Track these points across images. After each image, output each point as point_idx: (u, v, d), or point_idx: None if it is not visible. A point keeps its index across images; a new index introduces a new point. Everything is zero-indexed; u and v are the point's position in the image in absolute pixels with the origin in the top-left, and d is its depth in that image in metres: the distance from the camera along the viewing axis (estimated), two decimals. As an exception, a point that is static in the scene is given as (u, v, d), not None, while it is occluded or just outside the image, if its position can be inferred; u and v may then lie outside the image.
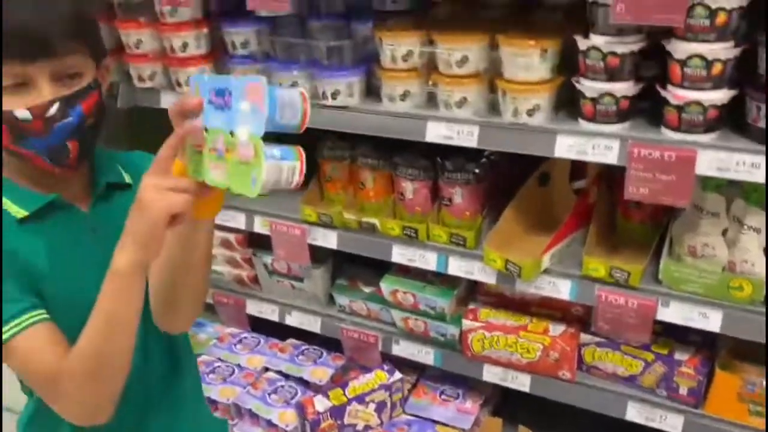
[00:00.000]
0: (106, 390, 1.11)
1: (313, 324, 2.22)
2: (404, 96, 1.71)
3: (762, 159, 1.35)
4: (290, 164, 0.95)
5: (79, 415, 1.14)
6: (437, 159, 1.88)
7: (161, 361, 1.36)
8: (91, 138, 1.18)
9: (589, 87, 1.48)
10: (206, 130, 0.99)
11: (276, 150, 0.94)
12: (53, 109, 1.09)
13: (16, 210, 1.18)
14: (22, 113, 1.07)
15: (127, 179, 1.30)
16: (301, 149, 0.97)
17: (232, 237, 2.24)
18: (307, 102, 0.98)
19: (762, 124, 1.37)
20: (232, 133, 0.96)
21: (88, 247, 1.24)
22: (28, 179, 1.19)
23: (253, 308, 2.33)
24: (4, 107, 1.08)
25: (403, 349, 2.07)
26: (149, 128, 2.60)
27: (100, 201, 1.26)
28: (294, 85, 1.85)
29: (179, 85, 1.98)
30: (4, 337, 1.10)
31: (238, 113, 0.95)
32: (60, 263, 1.20)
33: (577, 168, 1.92)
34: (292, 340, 2.36)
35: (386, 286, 2.01)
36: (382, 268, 2.09)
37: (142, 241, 1.02)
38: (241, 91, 0.95)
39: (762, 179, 1.36)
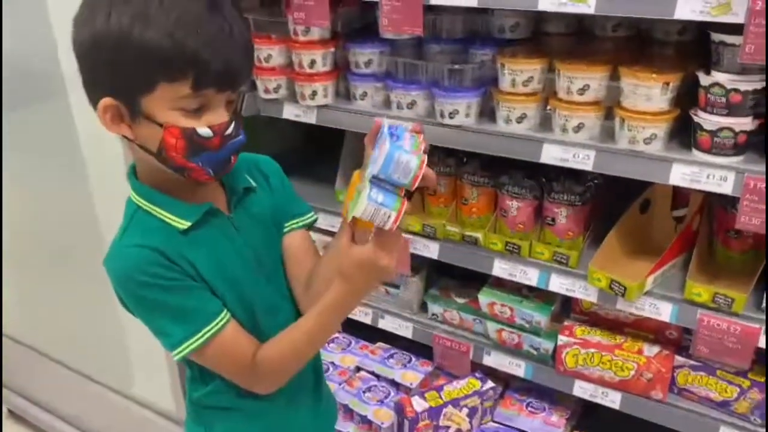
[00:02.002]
0: (293, 374, 1.38)
1: (405, 329, 2.33)
2: (521, 119, 1.82)
3: None
4: (387, 211, 1.15)
5: (266, 390, 1.39)
6: (543, 180, 1.98)
7: None
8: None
9: (708, 120, 1.57)
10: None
11: (381, 195, 1.14)
12: (230, 129, 1.24)
13: (178, 222, 1.30)
14: (205, 131, 1.21)
15: (253, 183, 1.46)
16: (406, 201, 1.16)
17: (334, 242, 2.37)
18: (423, 168, 1.16)
19: None
20: None
21: (239, 247, 1.40)
22: (181, 192, 1.31)
23: (348, 311, 2.45)
24: (185, 126, 1.20)
25: (494, 360, 2.16)
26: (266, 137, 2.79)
27: (236, 204, 1.41)
28: (412, 104, 1.98)
29: (303, 98, 2.13)
30: (205, 338, 1.28)
31: (375, 155, 1.17)
32: (223, 265, 1.36)
33: (677, 197, 2.00)
34: (381, 344, 2.48)
35: (484, 298, 2.11)
36: (472, 280, 2.20)
37: (365, 292, 1.28)
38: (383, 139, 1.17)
39: None
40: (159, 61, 1.13)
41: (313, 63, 2.07)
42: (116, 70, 1.17)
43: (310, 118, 2.17)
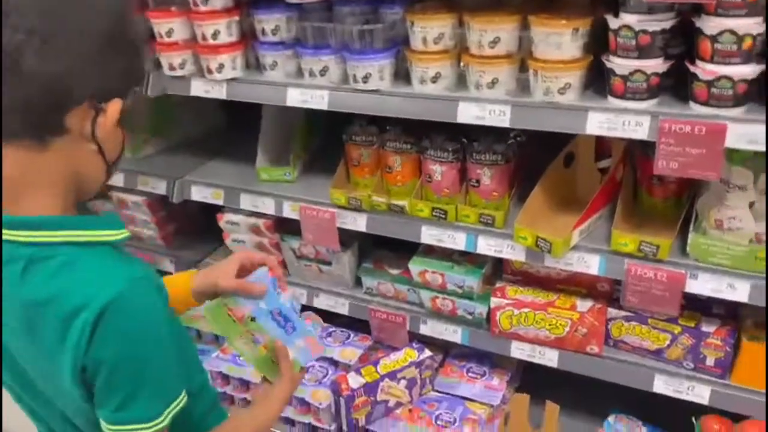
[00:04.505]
0: None
1: (341, 306, 2.26)
2: (435, 78, 1.75)
3: (791, 131, 1.40)
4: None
5: None
6: (465, 141, 1.93)
7: None
8: None
9: (620, 65, 1.53)
10: (252, 318, 1.40)
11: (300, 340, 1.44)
12: None
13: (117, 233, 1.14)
14: None
15: None
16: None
17: (260, 222, 2.28)
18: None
19: (790, 97, 1.42)
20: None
21: None
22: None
23: (281, 292, 2.37)
24: None
25: (430, 328, 2.11)
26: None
27: None
28: (325, 70, 1.89)
29: (210, 71, 2.02)
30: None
31: (293, 343, 1.42)
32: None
33: (601, 148, 1.97)
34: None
35: (415, 266, 2.05)
36: (406, 251, 2.14)
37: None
38: (303, 334, 1.43)
39: (791, 150, 1.41)
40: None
41: (216, 34, 1.96)
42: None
43: (220, 94, 2.05)
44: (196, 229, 2.65)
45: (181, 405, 1.13)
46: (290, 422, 2.07)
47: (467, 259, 2.06)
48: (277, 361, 1.40)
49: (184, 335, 1.28)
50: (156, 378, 1.09)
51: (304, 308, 2.39)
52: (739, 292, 1.61)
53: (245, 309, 1.39)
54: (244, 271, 1.45)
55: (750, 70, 1.42)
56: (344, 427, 1.96)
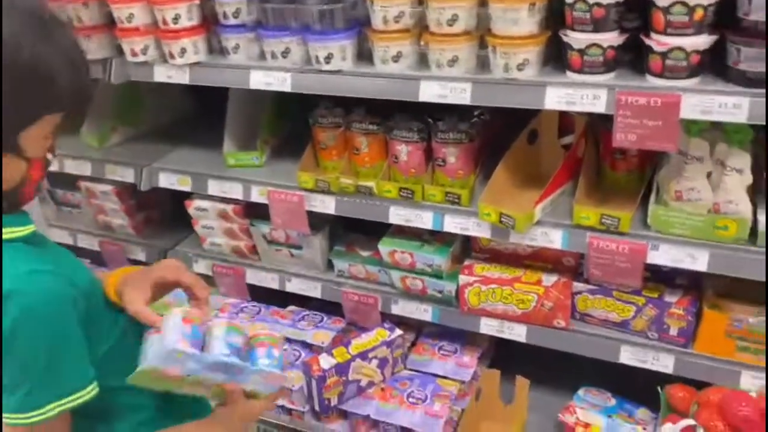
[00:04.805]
0: None
1: (312, 289, 2.27)
2: (397, 57, 1.76)
3: (744, 100, 1.42)
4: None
5: None
6: (429, 120, 1.93)
7: None
8: None
9: (576, 38, 1.54)
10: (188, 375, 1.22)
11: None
12: None
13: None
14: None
15: None
16: None
17: (229, 208, 2.27)
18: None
19: (742, 66, 1.43)
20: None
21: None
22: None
23: (253, 277, 2.37)
24: None
25: (401, 308, 2.13)
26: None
27: None
28: (287, 52, 1.89)
29: (172, 56, 2.00)
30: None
31: (248, 380, 1.26)
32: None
33: (565, 124, 1.99)
34: (292, 307, 2.41)
35: (384, 247, 2.06)
36: (377, 233, 2.15)
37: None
38: (255, 372, 1.26)
39: (744, 119, 1.43)
40: None
41: (177, 18, 1.94)
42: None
43: (183, 78, 2.04)
44: (166, 218, 2.64)
45: (80, 401, 1.15)
46: (264, 405, 2.07)
47: (436, 238, 2.07)
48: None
49: (99, 331, 1.24)
50: (43, 370, 1.11)
51: (274, 296, 2.40)
52: (699, 261, 1.64)
53: (172, 371, 1.20)
54: (164, 289, 1.38)
55: (702, 41, 1.44)
56: (317, 408, 1.97)
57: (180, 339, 1.19)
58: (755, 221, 1.59)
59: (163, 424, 1.31)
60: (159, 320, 1.24)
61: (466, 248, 2.10)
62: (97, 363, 1.21)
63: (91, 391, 1.17)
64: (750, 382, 1.72)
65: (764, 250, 1.57)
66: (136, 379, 1.20)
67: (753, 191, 1.62)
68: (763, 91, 1.41)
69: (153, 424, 1.33)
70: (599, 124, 1.87)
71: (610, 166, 1.89)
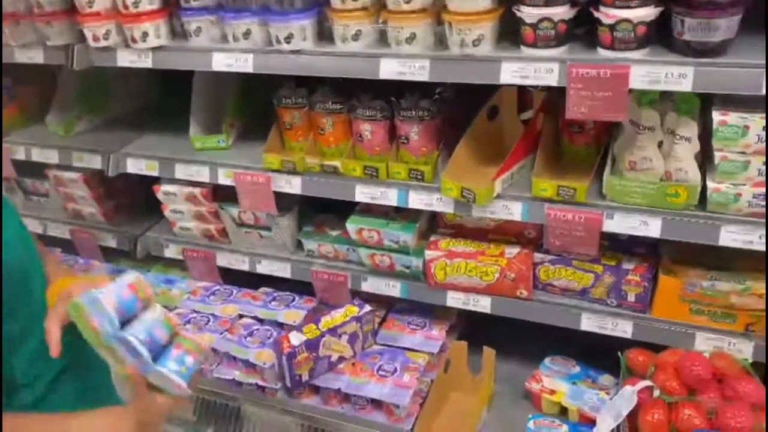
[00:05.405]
0: None
1: (283, 270, 2.30)
2: (356, 36, 1.78)
3: (688, 69, 1.47)
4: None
5: None
6: (392, 99, 1.96)
7: None
8: None
9: (528, 13, 1.58)
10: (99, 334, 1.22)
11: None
12: None
13: None
14: None
15: None
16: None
17: (197, 191, 2.29)
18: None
19: (686, 36, 1.48)
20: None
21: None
22: None
23: (223, 260, 2.39)
24: None
25: (371, 285, 2.17)
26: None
27: None
28: (248, 33, 1.90)
29: (134, 41, 2.00)
30: None
31: (152, 373, 1.23)
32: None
33: (524, 100, 2.03)
34: (264, 289, 2.44)
35: (352, 225, 2.10)
36: (345, 213, 2.18)
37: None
38: (162, 372, 1.23)
39: (689, 88, 1.48)
40: None
41: (138, 2, 1.94)
42: None
43: (146, 63, 2.04)
44: (136, 204, 2.65)
45: None
46: (238, 384, 2.10)
47: (402, 216, 2.11)
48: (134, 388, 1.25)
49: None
50: None
51: (245, 278, 2.42)
52: (652, 228, 1.69)
53: (94, 320, 1.21)
54: None
55: (647, 13, 1.49)
56: (289, 384, 2.00)
57: (110, 297, 1.22)
58: (704, 187, 1.65)
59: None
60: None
61: (432, 225, 2.15)
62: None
63: None
64: (704, 343, 1.80)
65: (712, 215, 1.63)
66: (72, 308, 1.22)
67: (701, 159, 1.68)
68: (708, 60, 1.47)
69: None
70: (558, 99, 1.91)
71: (569, 140, 1.94)
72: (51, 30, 2.13)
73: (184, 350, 1.28)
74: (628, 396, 1.67)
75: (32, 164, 2.51)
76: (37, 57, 2.22)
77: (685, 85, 1.48)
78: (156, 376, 1.23)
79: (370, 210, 2.16)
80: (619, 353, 1.91)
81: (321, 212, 2.37)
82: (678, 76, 1.48)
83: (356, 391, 1.97)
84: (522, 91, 2.01)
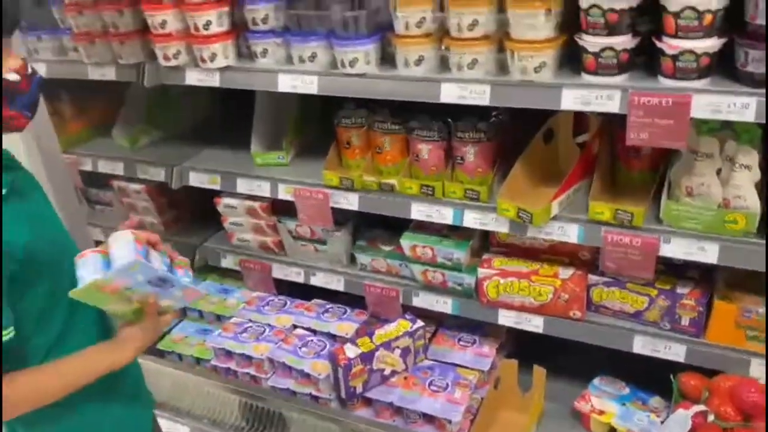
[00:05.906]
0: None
1: (336, 283, 2.37)
2: (419, 61, 1.84)
3: (752, 100, 1.49)
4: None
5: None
6: (450, 121, 2.02)
7: None
8: None
9: (591, 42, 1.62)
10: (128, 288, 1.43)
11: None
12: (29, 68, 1.29)
13: None
14: (13, 76, 1.24)
15: None
16: None
17: (257, 205, 2.37)
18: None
19: (750, 68, 1.51)
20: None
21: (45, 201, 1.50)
22: None
23: (279, 272, 2.47)
24: None
25: (422, 300, 2.22)
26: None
27: None
28: (313, 56, 1.98)
29: (203, 60, 2.10)
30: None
31: (170, 295, 1.50)
32: (41, 224, 1.41)
33: (580, 124, 2.06)
34: (316, 300, 2.51)
35: (406, 242, 2.15)
36: (398, 229, 2.24)
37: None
38: (181, 287, 1.50)
39: (752, 119, 1.50)
40: None
41: (208, 24, 2.04)
42: None
43: (214, 82, 2.14)
44: (195, 215, 2.75)
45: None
46: (292, 393, 2.17)
47: (455, 233, 2.15)
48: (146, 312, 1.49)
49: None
50: None
51: (298, 290, 2.50)
52: (709, 254, 1.71)
53: (119, 283, 1.40)
54: None
55: (711, 44, 1.51)
56: (343, 395, 2.06)
57: (137, 254, 1.40)
58: (764, 215, 1.66)
59: None
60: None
61: (484, 243, 2.19)
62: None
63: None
64: (759, 369, 1.80)
65: (772, 243, 1.64)
66: (80, 293, 1.38)
67: (762, 187, 1.69)
68: (770, 91, 1.48)
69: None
70: (614, 124, 1.94)
71: (625, 164, 1.96)
72: (124, 49, 2.24)
73: (183, 268, 1.56)
74: (682, 420, 1.69)
75: (98, 175, 2.63)
76: (109, 74, 2.34)
77: (748, 116, 1.50)
78: (175, 296, 1.50)
79: (423, 227, 2.21)
80: (672, 376, 1.92)
81: (375, 227, 2.44)
82: (741, 106, 1.50)
83: (408, 405, 2.01)
84: (577, 114, 2.05)
